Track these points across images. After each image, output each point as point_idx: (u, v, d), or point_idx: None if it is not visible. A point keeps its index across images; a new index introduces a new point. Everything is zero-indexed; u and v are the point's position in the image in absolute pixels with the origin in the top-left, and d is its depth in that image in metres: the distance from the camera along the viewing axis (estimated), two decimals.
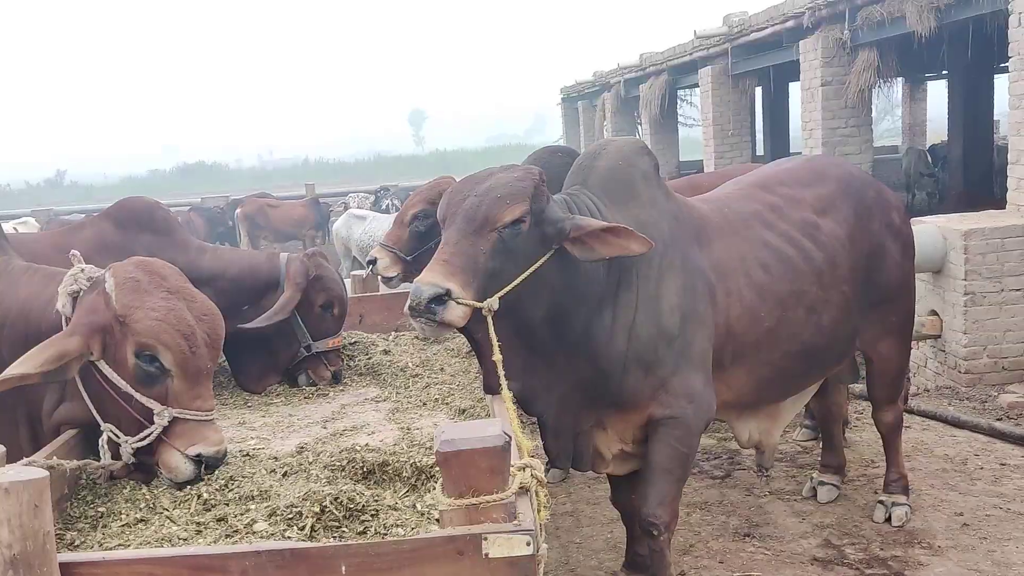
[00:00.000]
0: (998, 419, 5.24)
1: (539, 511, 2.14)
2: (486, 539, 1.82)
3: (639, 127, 17.06)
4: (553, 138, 25.88)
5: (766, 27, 10.13)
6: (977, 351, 5.77)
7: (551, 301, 2.84)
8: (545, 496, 2.12)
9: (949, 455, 4.76)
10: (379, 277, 4.85)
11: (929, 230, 5.91)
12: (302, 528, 2.27)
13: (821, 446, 4.44)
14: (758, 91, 15.87)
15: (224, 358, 4.18)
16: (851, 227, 3.60)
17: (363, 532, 2.28)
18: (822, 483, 4.29)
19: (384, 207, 14.77)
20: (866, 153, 8.98)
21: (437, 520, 2.03)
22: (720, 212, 3.39)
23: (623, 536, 3.66)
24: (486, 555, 1.82)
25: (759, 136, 17.26)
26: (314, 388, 3.95)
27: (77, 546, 2.30)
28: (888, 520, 3.98)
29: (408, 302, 2.60)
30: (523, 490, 2.00)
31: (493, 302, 2.67)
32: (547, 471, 4.84)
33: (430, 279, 2.59)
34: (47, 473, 1.67)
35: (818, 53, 8.84)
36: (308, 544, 1.85)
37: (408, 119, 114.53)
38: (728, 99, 12.05)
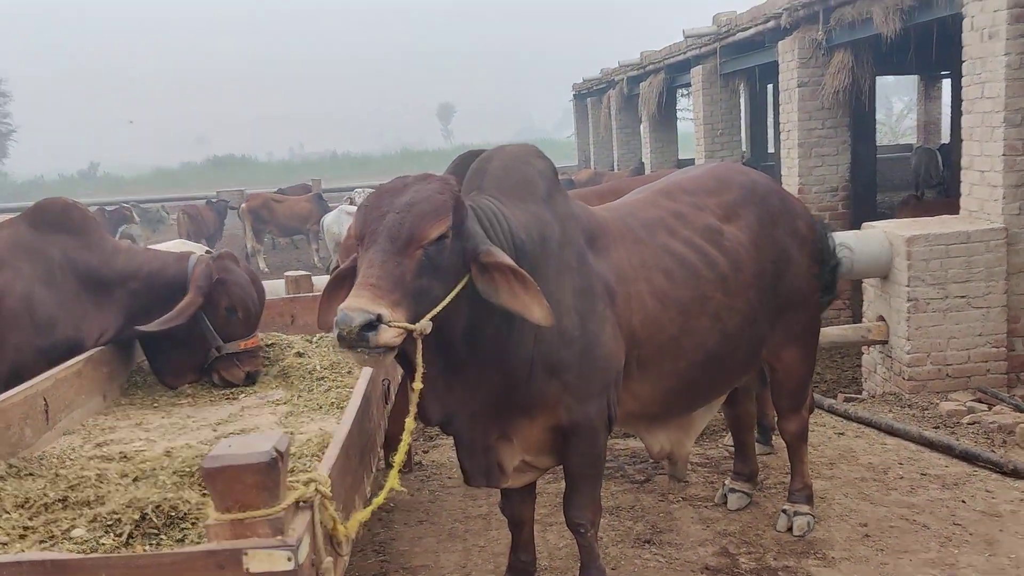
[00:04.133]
0: (935, 427, 5.21)
1: (335, 525, 2.19)
2: (246, 554, 1.86)
3: (641, 125, 17.03)
4: (573, 132, 25.90)
5: (750, 27, 10.09)
6: (921, 358, 5.74)
7: (470, 315, 2.79)
8: (335, 510, 2.16)
9: (873, 463, 4.74)
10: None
11: (876, 235, 5.88)
12: (119, 535, 2.34)
13: (734, 453, 4.44)
14: (770, 88, 15.78)
15: (145, 356, 4.28)
16: (755, 234, 3.60)
17: (181, 540, 2.35)
18: (733, 490, 4.30)
19: None
20: (843, 154, 8.91)
21: None
22: (621, 220, 3.39)
23: None
24: (247, 570, 1.87)
25: (771, 134, 17.17)
26: (224, 390, 4.03)
27: None
28: (790, 530, 3.98)
29: (336, 331, 2.46)
30: (304, 504, 2.04)
31: (425, 325, 2.58)
32: None
33: (359, 305, 2.46)
34: None
35: (795, 54, 8.78)
36: (68, 555, 1.91)
37: (437, 114, 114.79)
38: (718, 98, 12.00)
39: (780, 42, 9.10)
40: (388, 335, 2.48)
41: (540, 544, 3.88)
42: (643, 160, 16.60)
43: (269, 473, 1.90)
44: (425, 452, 5.41)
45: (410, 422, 2.75)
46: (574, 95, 23.57)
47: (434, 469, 5.11)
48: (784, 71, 9.04)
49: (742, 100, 12.85)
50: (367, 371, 3.32)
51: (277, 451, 1.93)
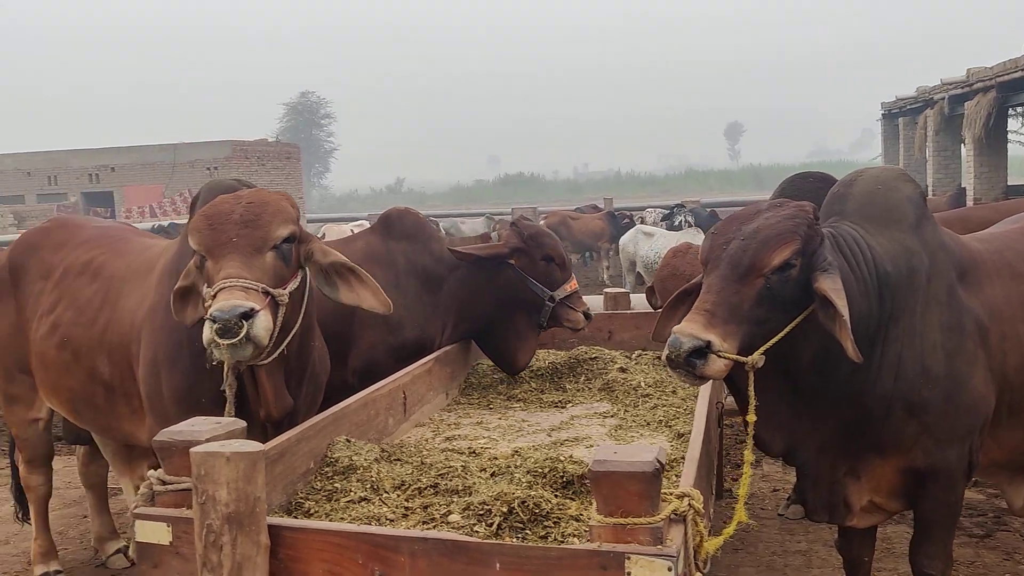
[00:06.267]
0: None
1: (701, 541, 2.19)
2: (629, 558, 1.92)
3: (963, 147, 15.70)
4: (879, 154, 24.47)
5: None
6: None
7: (820, 345, 2.67)
8: (705, 527, 2.17)
9: None
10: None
11: None
12: (490, 525, 2.49)
13: None
14: None
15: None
16: None
17: (544, 537, 2.46)
18: None
19: (676, 224, 14.76)
20: None
21: None
22: (998, 252, 3.10)
23: None
24: (628, 574, 1.93)
25: None
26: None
27: (312, 514, 2.69)
28: None
29: (666, 352, 2.51)
30: (678, 517, 2.07)
31: (758, 359, 2.54)
32: (787, 506, 4.75)
33: (690, 330, 2.48)
34: (262, 446, 2.02)
35: None
36: (468, 538, 2.06)
37: (724, 132, 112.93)
38: None
39: None
40: (716, 367, 2.46)
41: None
42: (963, 185, 15.28)
43: (652, 483, 1.95)
44: (734, 480, 5.30)
45: (748, 455, 2.69)
46: (883, 114, 22.22)
47: (746, 498, 4.98)
48: None
49: None
50: (705, 393, 3.31)
51: (659, 463, 1.98)
